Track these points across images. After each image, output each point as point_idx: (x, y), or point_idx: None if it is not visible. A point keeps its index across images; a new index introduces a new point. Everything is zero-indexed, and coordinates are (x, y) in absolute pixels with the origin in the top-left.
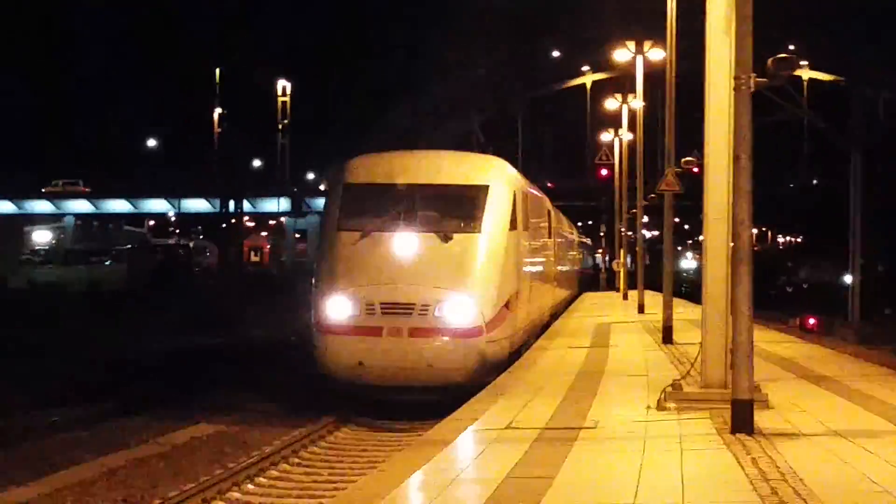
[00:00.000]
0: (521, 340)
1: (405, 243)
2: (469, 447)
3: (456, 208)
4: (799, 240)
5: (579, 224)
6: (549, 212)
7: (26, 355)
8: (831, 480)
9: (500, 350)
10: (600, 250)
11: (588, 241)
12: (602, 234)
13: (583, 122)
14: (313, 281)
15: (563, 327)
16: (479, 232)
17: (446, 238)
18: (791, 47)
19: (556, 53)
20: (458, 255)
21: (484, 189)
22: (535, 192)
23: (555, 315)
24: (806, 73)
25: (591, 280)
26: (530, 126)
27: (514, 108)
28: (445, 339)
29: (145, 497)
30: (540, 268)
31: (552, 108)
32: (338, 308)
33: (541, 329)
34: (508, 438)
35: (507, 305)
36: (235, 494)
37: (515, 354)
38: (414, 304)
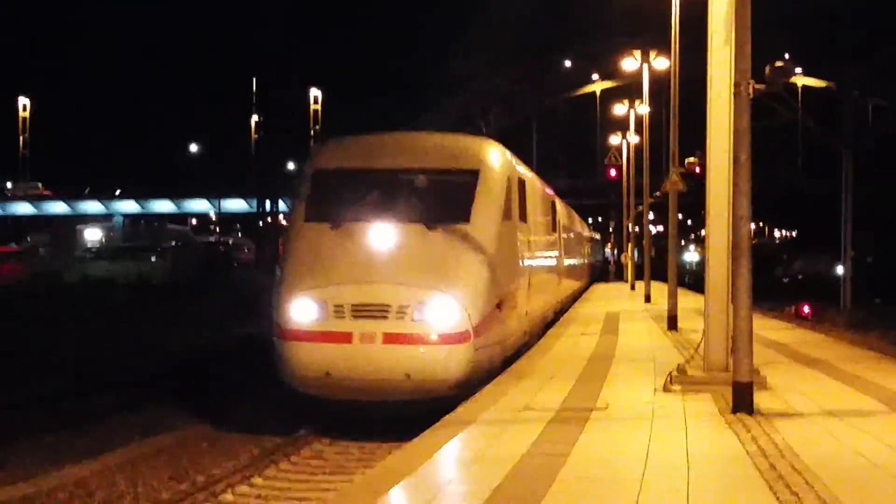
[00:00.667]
0: (518, 343)
1: (381, 236)
2: (489, 427)
3: (441, 196)
4: (794, 234)
5: (590, 220)
6: (553, 203)
7: (81, 343)
8: (825, 456)
9: (491, 357)
10: (609, 244)
11: (598, 235)
12: (611, 229)
13: (593, 126)
14: (276, 279)
15: (575, 316)
16: (467, 222)
17: (429, 229)
18: (786, 55)
19: (567, 64)
20: (442, 250)
21: (473, 174)
22: (536, 181)
23: (564, 309)
24: (800, 80)
25: (600, 272)
26: (544, 131)
27: (529, 115)
28: (426, 345)
29: (190, 473)
30: (543, 261)
31: (565, 113)
32: (301, 310)
33: (551, 320)
34: (526, 419)
35: (499, 306)
36: (272, 472)
37: (513, 357)
38: (389, 305)
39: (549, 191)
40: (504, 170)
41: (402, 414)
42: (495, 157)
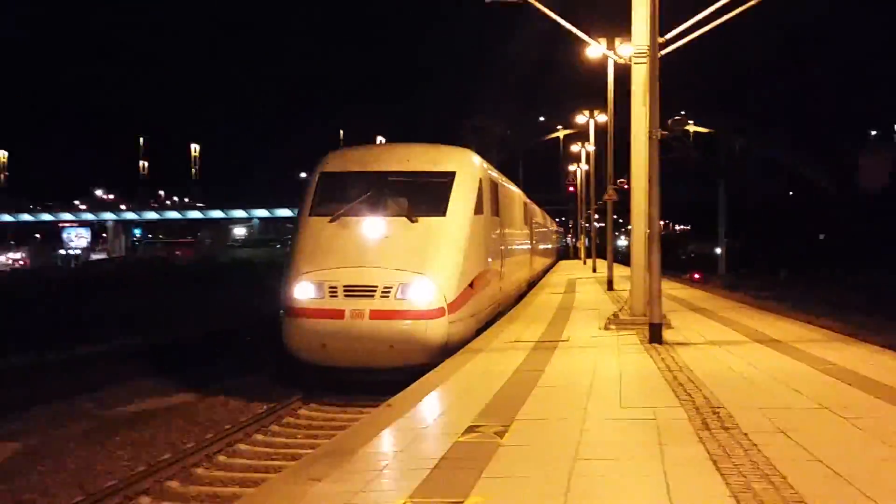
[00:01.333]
0: (491, 314)
1: (371, 227)
2: (493, 353)
3: (423, 194)
4: (688, 227)
5: (557, 219)
6: (525, 203)
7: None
8: (708, 370)
9: (465, 328)
10: (569, 235)
11: (561, 229)
12: (570, 225)
13: (557, 158)
14: (285, 265)
15: (548, 282)
16: (444, 215)
17: (411, 222)
18: (682, 112)
19: (541, 118)
20: (422, 239)
21: (450, 175)
22: (508, 185)
23: (539, 278)
24: (692, 128)
25: (563, 253)
26: (529, 162)
27: (517, 152)
28: (408, 320)
29: (274, 397)
30: (516, 246)
31: (541, 149)
32: (303, 291)
33: (529, 287)
34: (517, 348)
35: (472, 285)
36: (305, 412)
37: (488, 324)
38: (376, 286)
39: (518, 191)
40: (477, 172)
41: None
42: (470, 161)
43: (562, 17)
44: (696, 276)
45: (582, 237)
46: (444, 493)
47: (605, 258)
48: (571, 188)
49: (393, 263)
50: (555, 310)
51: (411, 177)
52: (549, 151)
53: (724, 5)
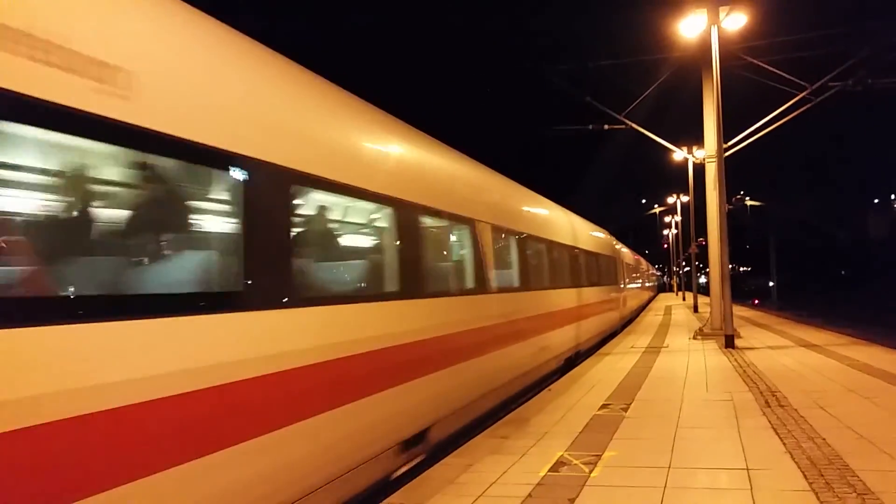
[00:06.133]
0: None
1: None
2: (617, 355)
3: None
4: (749, 269)
5: (657, 265)
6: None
7: None
8: (767, 365)
9: None
10: (666, 276)
11: (660, 272)
12: (666, 269)
13: (655, 226)
14: None
15: (651, 308)
16: None
17: None
18: (742, 192)
19: (643, 200)
20: None
21: None
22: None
23: (648, 302)
24: (749, 202)
25: (662, 288)
26: (638, 232)
27: (627, 224)
28: None
29: None
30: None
31: (644, 220)
32: None
33: (642, 308)
34: (632, 351)
35: None
36: None
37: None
38: None
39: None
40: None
41: None
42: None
43: (651, 132)
44: (756, 301)
45: (675, 277)
46: (589, 448)
47: (691, 290)
48: (666, 245)
49: None
50: (658, 326)
51: None
52: (648, 221)
53: (768, 121)
